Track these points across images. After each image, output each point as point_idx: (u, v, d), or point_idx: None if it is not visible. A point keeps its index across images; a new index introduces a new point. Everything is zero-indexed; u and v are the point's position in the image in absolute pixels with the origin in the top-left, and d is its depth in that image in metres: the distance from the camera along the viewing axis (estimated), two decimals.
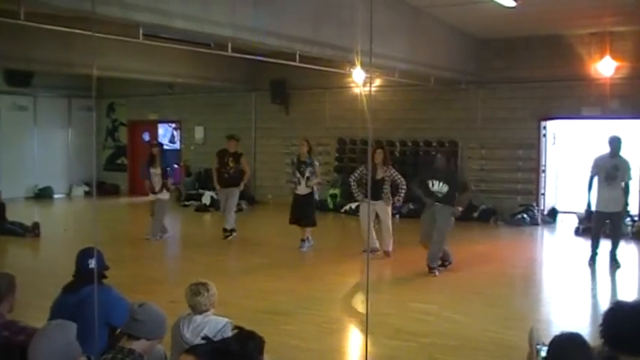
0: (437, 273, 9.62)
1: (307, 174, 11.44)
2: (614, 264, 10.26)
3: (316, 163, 11.70)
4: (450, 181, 9.70)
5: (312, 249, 11.63)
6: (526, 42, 14.87)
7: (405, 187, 10.83)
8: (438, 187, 9.63)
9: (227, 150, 12.72)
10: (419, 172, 10.67)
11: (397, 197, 10.94)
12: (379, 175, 10.78)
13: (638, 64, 13.70)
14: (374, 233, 11.01)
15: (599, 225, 10.55)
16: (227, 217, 12.77)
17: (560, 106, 14.96)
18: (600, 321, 3.38)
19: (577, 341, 3.35)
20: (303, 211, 11.54)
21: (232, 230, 12.71)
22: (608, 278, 10.02)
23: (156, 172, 12.50)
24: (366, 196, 10.70)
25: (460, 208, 9.93)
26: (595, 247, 10.48)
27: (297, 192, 11.56)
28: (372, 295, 8.39)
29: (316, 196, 11.80)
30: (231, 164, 12.59)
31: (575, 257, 11.57)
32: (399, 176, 10.87)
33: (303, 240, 11.60)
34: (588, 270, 10.30)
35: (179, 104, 20.88)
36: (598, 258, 10.48)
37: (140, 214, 17.15)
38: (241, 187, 12.74)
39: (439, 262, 9.75)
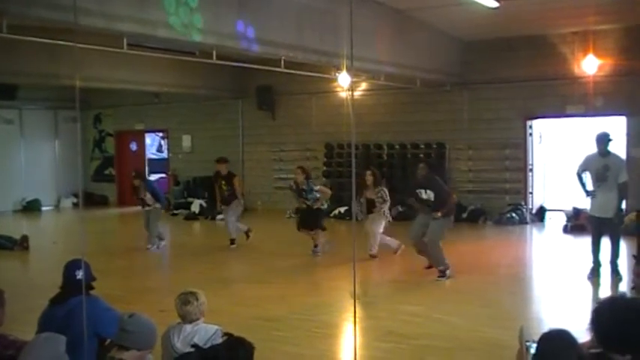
0: (446, 276, 9.55)
1: (310, 201, 11.54)
2: (616, 276, 9.26)
3: (315, 188, 11.77)
4: (432, 187, 9.73)
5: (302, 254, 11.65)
6: (509, 42, 14.94)
7: (388, 203, 11.07)
8: (426, 195, 9.69)
9: (219, 172, 12.83)
10: (408, 186, 10.72)
11: (383, 211, 11.07)
12: (370, 195, 11.10)
13: (621, 62, 13.79)
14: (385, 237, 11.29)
15: (595, 231, 9.45)
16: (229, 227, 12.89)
17: (545, 105, 15.05)
18: (590, 317, 3.40)
19: (565, 338, 3.36)
20: (313, 221, 11.66)
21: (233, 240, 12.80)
22: (605, 284, 9.38)
23: (144, 195, 12.56)
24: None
25: (439, 214, 9.57)
26: (595, 256, 9.41)
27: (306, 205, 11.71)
28: (362, 299, 8.42)
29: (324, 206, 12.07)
30: (224, 187, 12.69)
31: (564, 255, 11.64)
32: (386, 195, 11.08)
33: (316, 245, 11.68)
34: (578, 267, 10.04)
35: (166, 113, 20.86)
36: (602, 270, 9.38)
37: (129, 225, 17.12)
38: (240, 199, 12.84)
39: (443, 267, 9.63)
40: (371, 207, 11.13)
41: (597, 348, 3.36)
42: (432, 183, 9.83)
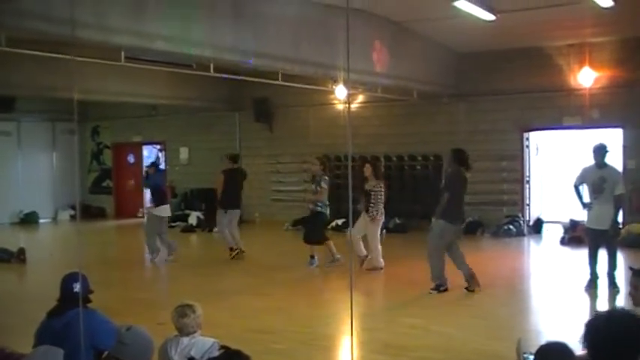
0: (437, 291, 9.38)
1: (313, 194, 11.61)
2: (613, 288, 9.21)
3: (325, 178, 11.58)
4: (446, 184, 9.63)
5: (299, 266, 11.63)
6: (506, 54, 14.99)
7: (381, 201, 10.95)
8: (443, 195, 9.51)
9: None
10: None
11: (373, 209, 10.94)
12: (367, 186, 10.98)
13: (617, 74, 13.86)
14: (360, 243, 11.14)
15: (592, 243, 9.44)
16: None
17: (541, 117, 15.09)
18: (583, 331, 3.40)
19: (562, 350, 3.38)
20: (309, 229, 11.72)
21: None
22: (602, 296, 9.35)
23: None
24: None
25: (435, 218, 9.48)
26: (592, 268, 9.35)
27: (310, 208, 11.75)
28: (360, 311, 8.40)
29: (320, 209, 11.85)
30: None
31: (562, 267, 11.64)
32: (382, 191, 10.96)
33: (312, 257, 11.62)
34: (576, 279, 10.02)
35: (163, 125, 20.89)
36: (599, 282, 9.34)
37: (127, 237, 17.09)
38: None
39: (437, 282, 9.41)
40: (367, 203, 10.96)
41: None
42: (445, 178, 9.76)
